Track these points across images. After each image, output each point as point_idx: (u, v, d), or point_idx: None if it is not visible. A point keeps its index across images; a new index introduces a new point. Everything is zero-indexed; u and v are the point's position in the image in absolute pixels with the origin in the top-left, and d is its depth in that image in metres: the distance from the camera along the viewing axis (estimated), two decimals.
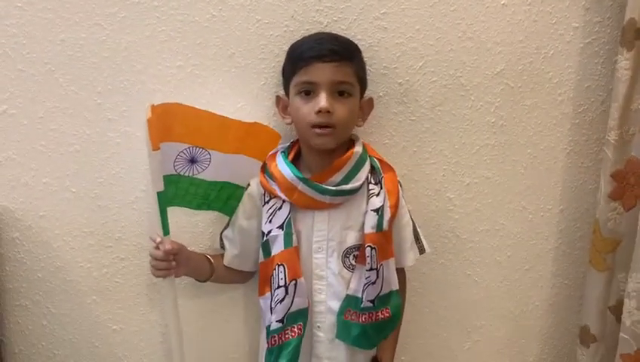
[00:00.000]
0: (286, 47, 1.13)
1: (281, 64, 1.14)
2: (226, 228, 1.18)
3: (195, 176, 1.11)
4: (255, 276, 1.18)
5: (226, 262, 1.16)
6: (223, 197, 1.17)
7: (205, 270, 1.14)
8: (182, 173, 1.09)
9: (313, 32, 1.13)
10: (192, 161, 1.09)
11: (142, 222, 1.19)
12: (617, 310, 1.27)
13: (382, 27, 1.17)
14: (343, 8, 1.15)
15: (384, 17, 1.16)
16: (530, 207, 1.34)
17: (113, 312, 1.24)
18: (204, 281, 1.15)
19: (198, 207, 1.17)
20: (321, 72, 1.02)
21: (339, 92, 1.04)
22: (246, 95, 1.16)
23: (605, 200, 1.24)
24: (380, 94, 1.19)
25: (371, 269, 1.05)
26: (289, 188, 1.05)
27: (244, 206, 1.14)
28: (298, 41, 1.10)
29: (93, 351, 1.26)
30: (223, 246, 1.18)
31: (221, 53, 1.14)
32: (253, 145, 1.13)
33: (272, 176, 1.07)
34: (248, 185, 1.14)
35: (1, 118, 1.12)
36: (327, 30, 1.13)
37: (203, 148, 1.08)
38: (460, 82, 1.22)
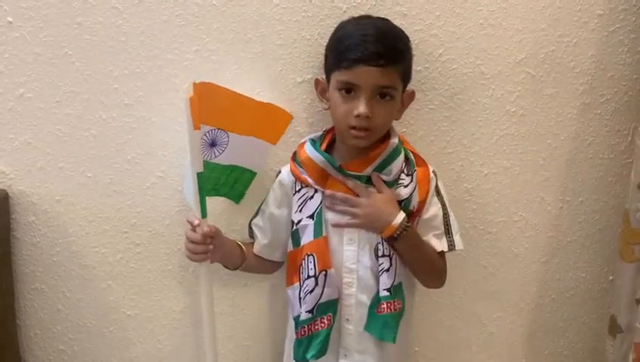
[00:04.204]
0: (304, 33, 1.12)
1: (299, 50, 1.13)
2: (255, 216, 1.16)
3: (210, 161, 1.08)
4: (283, 266, 1.17)
5: (255, 250, 1.15)
6: (230, 182, 1.14)
7: (237, 257, 1.13)
8: (203, 158, 1.06)
9: (332, 18, 1.11)
10: (213, 144, 1.06)
11: (157, 207, 1.19)
12: None
13: (401, 13, 1.14)
14: None
15: (403, 3, 1.14)
16: (548, 198, 1.32)
17: (128, 298, 1.24)
18: (234, 269, 1.15)
19: (208, 193, 1.11)
20: (364, 76, 0.98)
21: (380, 94, 1.00)
22: (263, 81, 1.15)
23: (635, 190, 1.20)
24: None
25: (384, 256, 1.04)
26: (321, 176, 1.04)
27: (275, 193, 1.12)
28: (345, 28, 1.04)
29: (107, 336, 1.26)
30: (251, 235, 1.17)
31: (238, 39, 1.13)
32: (264, 127, 1.10)
33: (302, 165, 1.06)
34: (279, 172, 1.13)
35: (18, 101, 1.12)
36: (347, 15, 1.11)
37: (224, 131, 1.06)
38: (480, 70, 1.20)
